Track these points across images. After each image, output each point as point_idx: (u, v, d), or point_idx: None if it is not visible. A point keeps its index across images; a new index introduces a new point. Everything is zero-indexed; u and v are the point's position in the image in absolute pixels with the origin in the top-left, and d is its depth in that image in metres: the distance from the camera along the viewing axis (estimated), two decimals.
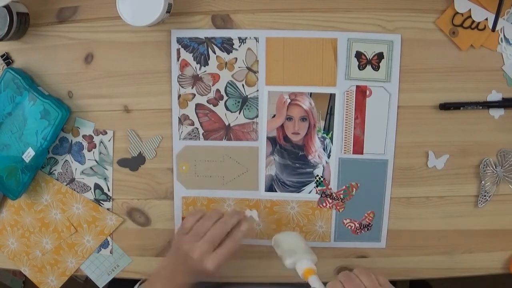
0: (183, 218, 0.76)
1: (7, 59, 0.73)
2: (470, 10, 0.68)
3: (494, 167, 0.72)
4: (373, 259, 0.76)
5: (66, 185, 0.76)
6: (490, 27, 0.68)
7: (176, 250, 0.66)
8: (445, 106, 0.71)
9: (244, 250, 0.76)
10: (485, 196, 0.72)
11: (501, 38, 0.69)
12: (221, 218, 0.65)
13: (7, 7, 0.66)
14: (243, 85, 0.72)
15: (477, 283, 0.68)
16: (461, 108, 0.70)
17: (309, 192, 0.74)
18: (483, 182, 0.72)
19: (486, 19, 0.68)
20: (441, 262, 0.75)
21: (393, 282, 0.99)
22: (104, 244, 0.78)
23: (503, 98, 0.71)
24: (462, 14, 0.69)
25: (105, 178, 0.76)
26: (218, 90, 0.72)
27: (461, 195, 0.74)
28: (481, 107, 0.71)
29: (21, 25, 0.69)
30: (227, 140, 0.74)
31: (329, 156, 0.73)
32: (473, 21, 0.69)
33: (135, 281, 0.72)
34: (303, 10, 0.70)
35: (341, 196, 0.74)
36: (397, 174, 0.73)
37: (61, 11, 0.72)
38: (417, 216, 0.74)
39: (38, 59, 0.73)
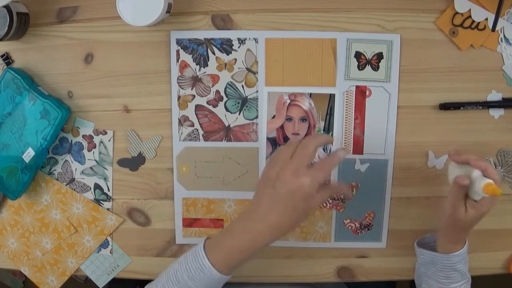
0: (183, 219, 0.76)
1: (7, 59, 0.73)
2: (470, 10, 0.68)
3: (494, 167, 0.72)
4: (373, 259, 0.76)
5: (66, 185, 0.76)
6: (490, 27, 0.68)
7: (261, 181, 0.59)
8: (445, 106, 0.71)
9: None
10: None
11: (501, 38, 0.69)
12: (326, 159, 0.58)
13: (7, 7, 0.66)
14: (242, 86, 0.72)
15: (477, 283, 0.67)
16: (461, 108, 0.70)
17: None
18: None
19: (486, 19, 0.68)
20: None
21: (393, 282, 1.00)
22: (104, 244, 0.78)
23: (503, 98, 0.71)
24: (462, 14, 0.69)
25: (105, 178, 0.76)
26: (217, 91, 0.72)
27: None
28: (481, 107, 0.71)
29: (21, 25, 0.69)
30: (227, 141, 0.74)
31: None
32: (473, 21, 0.69)
33: (135, 281, 0.72)
34: (303, 10, 0.70)
35: (342, 196, 0.74)
36: (397, 174, 0.73)
37: (61, 11, 0.72)
38: (417, 216, 0.74)
39: (38, 59, 0.73)
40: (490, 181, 0.56)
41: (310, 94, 0.72)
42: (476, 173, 0.58)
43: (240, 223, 0.59)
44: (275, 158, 0.59)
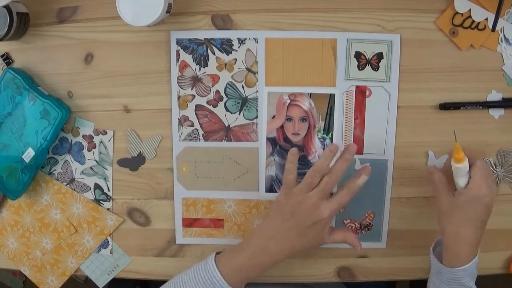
0: (183, 219, 0.76)
1: (7, 59, 0.73)
2: (470, 10, 0.68)
3: (494, 167, 0.72)
4: (373, 259, 0.76)
5: (66, 185, 0.76)
6: (490, 27, 0.68)
7: (279, 207, 0.62)
8: (445, 106, 0.71)
9: None
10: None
11: (501, 38, 0.69)
12: (336, 168, 0.62)
13: (7, 7, 0.66)
14: (242, 86, 0.72)
15: (477, 283, 0.67)
16: (461, 108, 0.70)
17: None
18: None
19: (486, 19, 0.68)
20: None
21: (393, 282, 1.00)
22: (104, 244, 0.78)
23: (503, 98, 0.71)
24: (462, 14, 0.69)
25: (105, 178, 0.76)
26: (217, 91, 0.72)
27: None
28: (481, 107, 0.71)
29: (21, 25, 0.69)
30: (227, 141, 0.74)
31: None
32: (473, 21, 0.69)
33: (135, 281, 0.72)
34: (303, 10, 0.70)
35: None
36: (397, 174, 0.73)
37: (61, 11, 0.72)
38: (417, 216, 0.74)
39: (38, 59, 0.73)
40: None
41: (310, 94, 0.72)
42: (452, 163, 0.61)
43: (255, 243, 0.63)
44: (290, 182, 0.63)
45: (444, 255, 0.62)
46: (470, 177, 0.61)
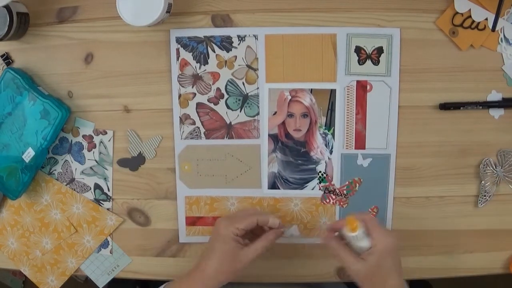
0: (186, 218, 0.76)
1: (7, 59, 0.73)
2: (470, 10, 0.68)
3: (494, 167, 0.72)
4: None
5: (66, 185, 0.76)
6: (490, 27, 0.68)
7: (209, 238, 0.68)
8: (445, 106, 0.71)
9: None
10: (485, 196, 0.72)
11: (501, 38, 0.69)
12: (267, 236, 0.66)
13: (7, 7, 0.66)
14: (243, 83, 0.72)
15: (477, 283, 0.68)
16: (461, 108, 0.70)
17: (312, 189, 0.74)
18: (483, 182, 0.72)
19: (486, 19, 0.68)
20: (441, 262, 0.75)
21: None
22: (104, 244, 0.78)
23: (503, 98, 0.71)
24: (462, 14, 0.69)
25: (105, 178, 0.76)
26: (218, 89, 0.72)
27: (461, 195, 0.74)
28: (481, 107, 0.71)
29: (21, 25, 0.69)
30: (228, 138, 0.74)
31: (331, 152, 0.73)
32: (473, 21, 0.69)
33: (135, 281, 0.72)
34: (303, 10, 0.70)
35: (344, 191, 0.74)
36: (398, 174, 0.73)
37: (61, 11, 0.72)
38: (417, 216, 0.74)
39: (38, 59, 0.73)
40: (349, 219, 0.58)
41: (311, 89, 0.72)
42: (343, 232, 0.59)
43: (189, 274, 0.65)
44: None
45: None
46: (367, 235, 0.58)
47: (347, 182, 0.74)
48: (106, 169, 0.75)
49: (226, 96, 0.73)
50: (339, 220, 0.61)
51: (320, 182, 0.74)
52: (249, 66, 0.72)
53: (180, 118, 0.73)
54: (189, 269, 0.66)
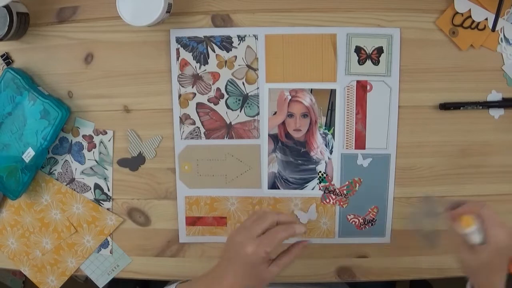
0: (186, 218, 0.76)
1: (7, 59, 0.73)
2: (470, 10, 0.68)
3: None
4: (373, 259, 0.76)
5: (66, 185, 0.76)
6: (490, 27, 0.68)
7: (225, 248, 0.62)
8: (445, 106, 0.71)
9: None
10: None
11: (501, 38, 0.69)
12: (278, 225, 0.61)
13: (7, 7, 0.66)
14: (243, 83, 0.72)
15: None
16: (461, 108, 0.70)
17: (312, 189, 0.74)
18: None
19: (486, 19, 0.68)
20: (441, 262, 0.75)
21: (393, 282, 1.00)
22: (104, 244, 0.78)
23: (503, 98, 0.71)
24: (462, 14, 0.69)
25: (105, 178, 0.76)
26: (218, 89, 0.72)
27: (461, 195, 0.74)
28: (481, 107, 0.71)
29: (21, 25, 0.69)
30: (228, 138, 0.74)
31: (331, 152, 0.73)
32: (473, 21, 0.69)
33: (135, 281, 0.72)
34: (303, 10, 0.70)
35: (344, 191, 0.74)
36: (398, 174, 0.73)
37: (61, 11, 0.72)
38: None
39: (38, 59, 0.73)
40: (467, 216, 0.57)
41: (311, 89, 0.72)
42: (460, 229, 0.57)
43: (204, 281, 0.62)
44: (243, 226, 0.62)
45: None
46: (481, 230, 0.57)
47: (347, 182, 0.74)
48: (106, 169, 0.75)
49: (226, 96, 0.73)
50: (461, 208, 0.58)
51: (320, 182, 0.74)
52: (249, 66, 0.72)
53: (180, 118, 0.73)
54: (204, 275, 0.63)
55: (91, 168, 0.76)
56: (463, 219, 0.57)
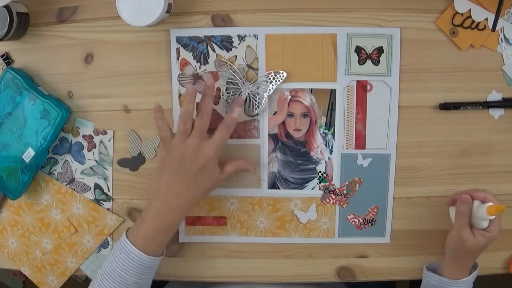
0: (186, 217, 0.76)
1: (7, 59, 0.73)
2: (470, 10, 0.68)
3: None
4: (373, 259, 0.76)
5: (66, 185, 0.76)
6: (490, 27, 0.68)
7: (165, 164, 0.64)
8: (445, 106, 0.71)
9: (246, 249, 0.76)
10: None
11: (501, 38, 0.69)
12: (201, 107, 0.64)
13: (7, 7, 0.66)
14: (243, 83, 0.72)
15: (477, 283, 0.67)
16: (461, 108, 0.70)
17: (312, 189, 0.74)
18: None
19: (486, 19, 0.68)
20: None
21: (393, 282, 1.00)
22: (104, 244, 0.78)
23: (503, 98, 0.71)
24: (462, 14, 0.69)
25: (105, 178, 0.76)
26: (218, 89, 0.72)
27: None
28: (481, 107, 0.71)
29: (21, 25, 0.69)
30: (228, 138, 0.74)
31: (331, 152, 0.73)
32: (473, 21, 0.69)
33: None
34: (303, 10, 0.70)
35: (344, 191, 0.74)
36: (398, 174, 0.73)
37: (61, 11, 0.72)
38: (417, 216, 0.74)
39: (38, 59, 0.73)
40: (490, 203, 0.61)
41: (311, 89, 0.72)
42: (476, 203, 0.63)
43: (154, 206, 0.64)
44: (167, 137, 0.65)
45: (448, 270, 0.67)
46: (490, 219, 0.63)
47: (347, 182, 0.74)
48: (106, 169, 0.75)
49: (226, 95, 0.73)
50: (481, 193, 0.63)
51: (320, 182, 0.74)
52: (249, 66, 0.72)
53: None
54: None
55: (91, 168, 0.76)
56: (493, 207, 0.61)
